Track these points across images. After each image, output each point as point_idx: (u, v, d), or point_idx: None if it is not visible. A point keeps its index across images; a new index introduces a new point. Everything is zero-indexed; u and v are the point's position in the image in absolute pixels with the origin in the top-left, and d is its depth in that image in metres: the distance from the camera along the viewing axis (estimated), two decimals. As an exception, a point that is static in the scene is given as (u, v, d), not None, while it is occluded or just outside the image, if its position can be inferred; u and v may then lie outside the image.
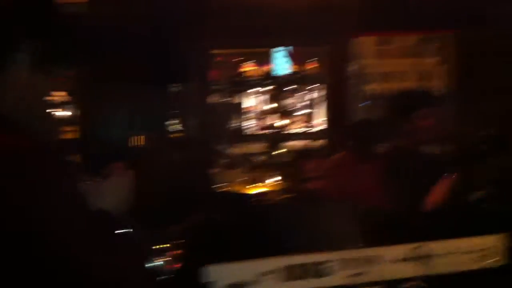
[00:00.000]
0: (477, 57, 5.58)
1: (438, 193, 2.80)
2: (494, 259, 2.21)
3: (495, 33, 5.33)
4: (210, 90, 5.62)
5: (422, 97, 3.26)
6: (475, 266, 2.23)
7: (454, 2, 5.40)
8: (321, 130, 5.81)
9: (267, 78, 5.48)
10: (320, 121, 5.95)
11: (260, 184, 3.88)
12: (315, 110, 5.92)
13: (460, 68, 6.00)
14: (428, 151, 3.08)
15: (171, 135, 5.03)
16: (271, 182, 4.34)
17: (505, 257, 2.21)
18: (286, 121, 5.64)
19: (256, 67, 5.89)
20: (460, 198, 2.84)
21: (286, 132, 5.57)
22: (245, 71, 5.88)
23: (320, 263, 2.14)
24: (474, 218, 2.79)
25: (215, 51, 5.77)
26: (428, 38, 7.82)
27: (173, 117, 5.12)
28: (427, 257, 2.17)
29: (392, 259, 2.18)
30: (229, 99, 5.69)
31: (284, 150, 5.23)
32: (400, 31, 7.25)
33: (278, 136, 5.34)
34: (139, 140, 4.64)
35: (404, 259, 2.18)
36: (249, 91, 5.76)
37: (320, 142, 5.55)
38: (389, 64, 7.55)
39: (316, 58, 5.98)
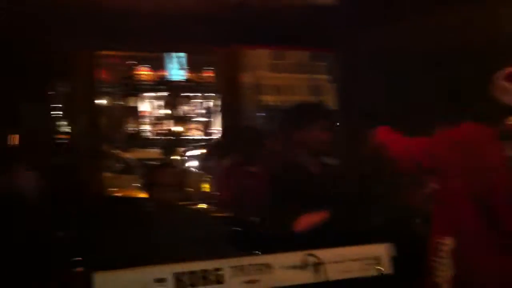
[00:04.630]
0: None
1: (308, 222, 2.83)
2: (379, 267, 2.29)
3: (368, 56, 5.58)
4: (100, 92, 5.39)
5: (321, 109, 3.27)
6: (362, 274, 2.30)
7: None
8: (215, 138, 5.79)
9: (162, 83, 5.37)
10: (215, 129, 5.94)
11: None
12: (209, 118, 5.90)
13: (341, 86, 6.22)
14: (318, 163, 3.12)
15: (56, 138, 4.76)
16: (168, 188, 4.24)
17: (389, 266, 2.30)
18: (181, 128, 5.55)
19: (150, 72, 5.75)
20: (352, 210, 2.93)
21: (181, 138, 5.48)
22: (138, 75, 5.72)
23: (212, 271, 2.10)
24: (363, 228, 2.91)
25: (104, 52, 5.55)
26: (317, 56, 8.04)
27: (58, 119, 4.85)
28: (317, 264, 2.21)
29: (284, 267, 2.19)
30: (122, 102, 5.49)
31: (179, 157, 5.14)
32: (289, 47, 7.41)
33: (173, 143, 5.23)
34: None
35: (295, 267, 2.20)
36: (143, 95, 5.61)
37: (213, 150, 5.51)
38: (282, 78, 7.73)
39: (210, 67, 5.97)
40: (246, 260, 2.18)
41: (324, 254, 2.26)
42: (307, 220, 2.77)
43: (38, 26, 4.18)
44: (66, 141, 4.74)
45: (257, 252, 3.02)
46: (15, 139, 4.16)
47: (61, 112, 4.89)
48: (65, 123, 4.89)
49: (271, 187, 3.04)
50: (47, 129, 4.68)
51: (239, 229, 3.18)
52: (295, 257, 2.23)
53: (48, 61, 4.56)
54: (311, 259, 2.22)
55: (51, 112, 4.82)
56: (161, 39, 5.18)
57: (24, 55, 4.27)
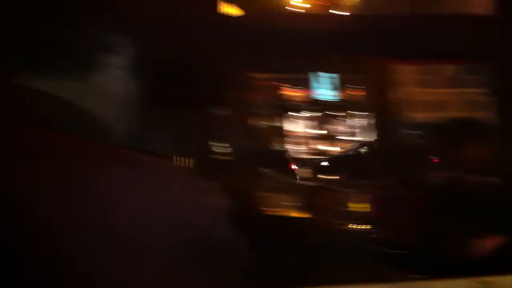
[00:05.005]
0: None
1: (486, 247, 2.72)
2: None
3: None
4: (254, 113, 5.68)
5: (479, 125, 3.18)
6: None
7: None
8: (369, 157, 5.80)
9: (312, 103, 5.52)
10: (365, 149, 5.95)
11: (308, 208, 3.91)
12: (359, 137, 5.92)
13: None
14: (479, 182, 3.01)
15: (217, 157, 5.08)
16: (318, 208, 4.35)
17: None
18: (331, 147, 5.65)
19: (301, 92, 5.94)
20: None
21: (331, 157, 5.58)
22: (290, 96, 5.94)
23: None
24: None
25: (257, 75, 5.83)
26: (468, 69, 7.72)
27: (219, 139, 5.18)
28: (489, 292, 2.14)
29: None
30: (274, 123, 5.73)
31: (332, 176, 5.24)
32: (439, 60, 7.19)
33: (328, 163, 5.35)
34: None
35: (466, 293, 2.16)
36: (294, 115, 5.80)
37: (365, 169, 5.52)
38: (431, 93, 7.51)
39: (358, 85, 6.01)
40: (418, 285, 2.18)
41: (494, 280, 2.19)
42: (482, 245, 2.69)
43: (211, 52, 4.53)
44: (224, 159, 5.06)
45: (420, 277, 2.98)
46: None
47: (220, 133, 5.22)
48: (224, 144, 5.21)
49: (431, 208, 3.00)
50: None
51: (401, 251, 3.16)
52: (465, 283, 2.18)
53: (212, 83, 4.89)
54: (482, 286, 2.16)
55: (212, 133, 5.18)
56: (309, 58, 5.34)
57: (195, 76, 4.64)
